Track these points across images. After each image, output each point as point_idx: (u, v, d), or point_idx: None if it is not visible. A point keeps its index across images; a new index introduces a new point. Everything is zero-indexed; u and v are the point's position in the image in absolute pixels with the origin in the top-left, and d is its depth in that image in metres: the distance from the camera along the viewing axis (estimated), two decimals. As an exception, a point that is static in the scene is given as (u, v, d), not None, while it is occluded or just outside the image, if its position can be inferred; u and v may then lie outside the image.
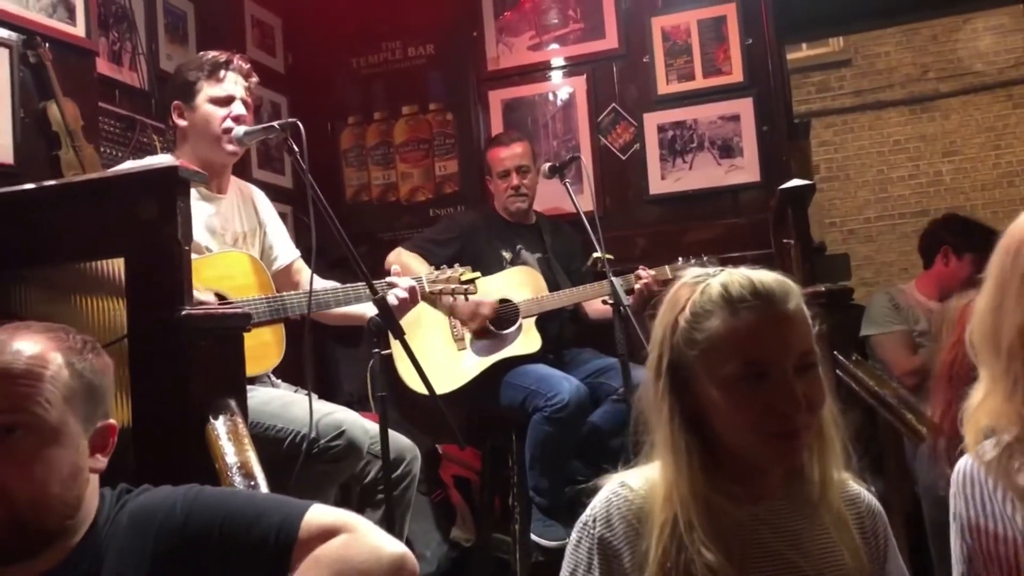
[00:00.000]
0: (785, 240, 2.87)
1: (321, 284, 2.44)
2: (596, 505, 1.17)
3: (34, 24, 2.54)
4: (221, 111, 2.37)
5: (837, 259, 4.16)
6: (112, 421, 1.25)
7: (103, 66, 2.99)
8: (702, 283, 1.16)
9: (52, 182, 1.93)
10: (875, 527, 1.23)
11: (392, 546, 1.16)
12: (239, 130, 2.35)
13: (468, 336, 3.21)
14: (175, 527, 1.15)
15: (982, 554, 1.15)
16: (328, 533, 1.14)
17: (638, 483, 1.17)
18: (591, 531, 1.16)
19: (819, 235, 8.73)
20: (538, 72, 4.05)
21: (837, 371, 2.53)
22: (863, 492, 1.26)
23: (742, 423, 1.10)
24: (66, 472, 1.14)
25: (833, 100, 8.99)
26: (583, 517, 1.19)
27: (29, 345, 1.17)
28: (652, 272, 3.22)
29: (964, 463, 1.26)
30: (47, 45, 2.54)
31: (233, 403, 1.68)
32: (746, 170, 3.76)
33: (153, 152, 3.03)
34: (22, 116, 2.47)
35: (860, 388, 2.49)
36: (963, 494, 1.27)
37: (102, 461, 1.21)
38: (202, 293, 2.12)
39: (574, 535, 1.19)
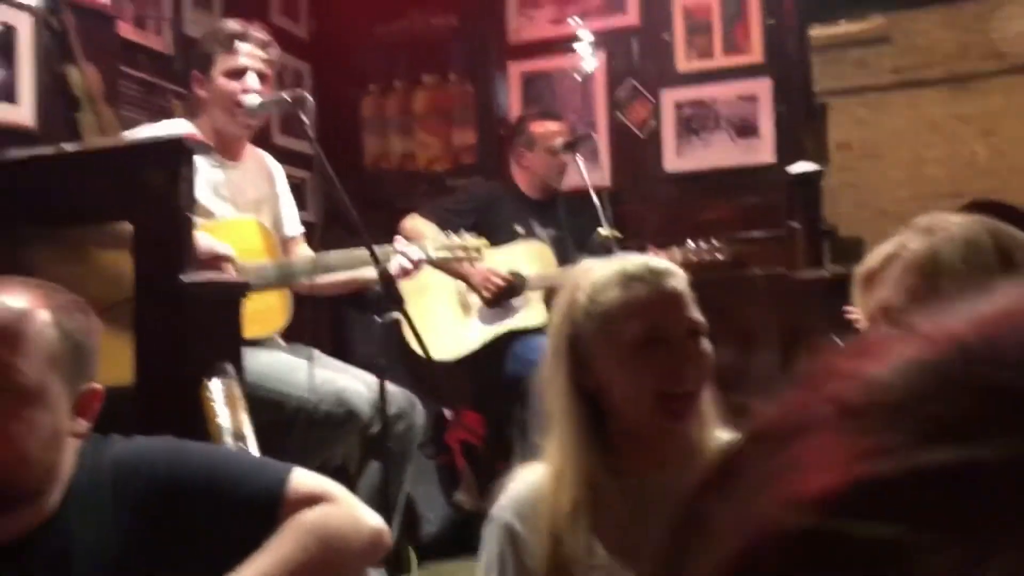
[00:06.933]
0: (791, 224, 2.88)
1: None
2: (504, 494, 1.25)
3: (58, -10, 2.61)
4: (234, 84, 2.41)
5: (850, 242, 4.15)
6: (97, 385, 1.19)
7: (127, 30, 3.04)
8: (598, 266, 1.26)
9: (67, 147, 2.01)
10: None
11: (372, 519, 1.19)
12: (251, 102, 2.40)
13: (476, 305, 3.27)
14: (159, 483, 1.15)
15: None
16: (312, 499, 1.16)
17: (539, 471, 1.24)
18: (500, 519, 1.24)
19: (848, 214, 8.64)
20: (558, 46, 4.05)
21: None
22: None
23: (639, 386, 1.17)
24: (45, 434, 1.10)
25: (871, 77, 8.84)
26: (493, 508, 1.26)
27: (15, 300, 1.11)
28: (662, 253, 3.24)
29: None
30: (70, 10, 2.61)
31: (229, 367, 1.76)
32: (762, 151, 3.75)
33: (171, 117, 3.10)
34: (44, 80, 2.54)
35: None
36: None
37: (84, 425, 1.17)
38: (221, 245, 2.19)
39: (487, 525, 1.27)
